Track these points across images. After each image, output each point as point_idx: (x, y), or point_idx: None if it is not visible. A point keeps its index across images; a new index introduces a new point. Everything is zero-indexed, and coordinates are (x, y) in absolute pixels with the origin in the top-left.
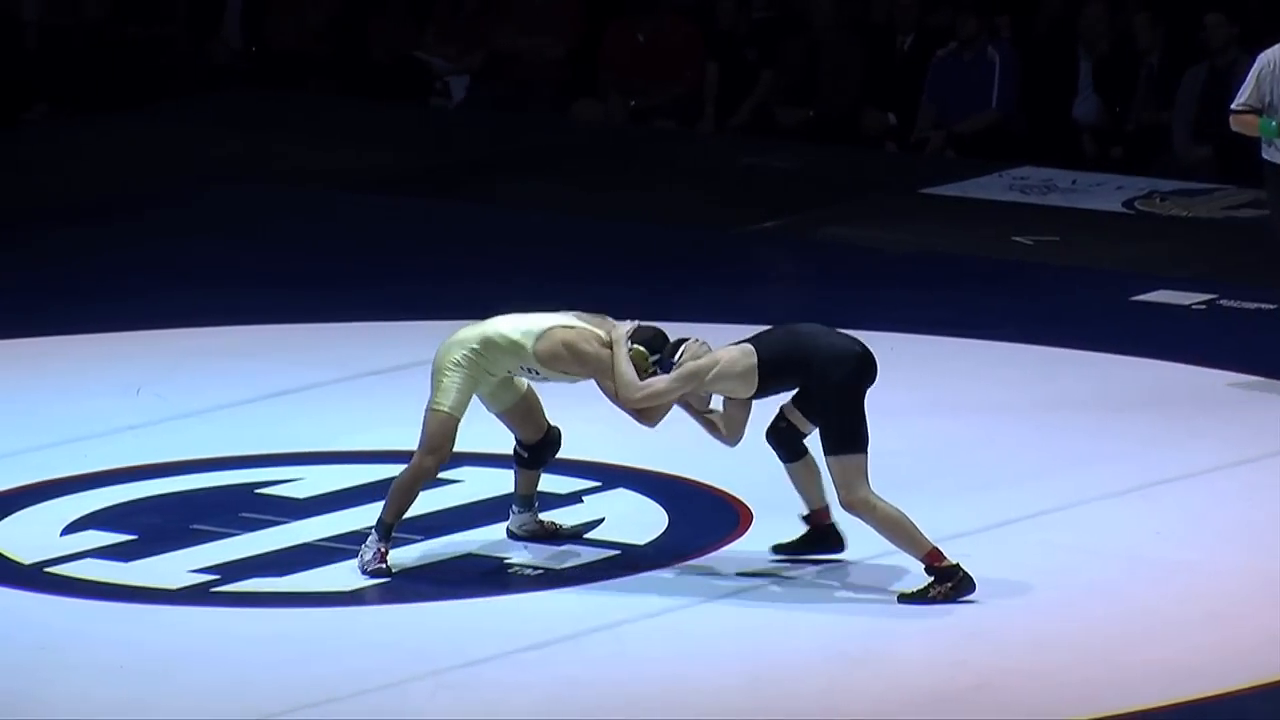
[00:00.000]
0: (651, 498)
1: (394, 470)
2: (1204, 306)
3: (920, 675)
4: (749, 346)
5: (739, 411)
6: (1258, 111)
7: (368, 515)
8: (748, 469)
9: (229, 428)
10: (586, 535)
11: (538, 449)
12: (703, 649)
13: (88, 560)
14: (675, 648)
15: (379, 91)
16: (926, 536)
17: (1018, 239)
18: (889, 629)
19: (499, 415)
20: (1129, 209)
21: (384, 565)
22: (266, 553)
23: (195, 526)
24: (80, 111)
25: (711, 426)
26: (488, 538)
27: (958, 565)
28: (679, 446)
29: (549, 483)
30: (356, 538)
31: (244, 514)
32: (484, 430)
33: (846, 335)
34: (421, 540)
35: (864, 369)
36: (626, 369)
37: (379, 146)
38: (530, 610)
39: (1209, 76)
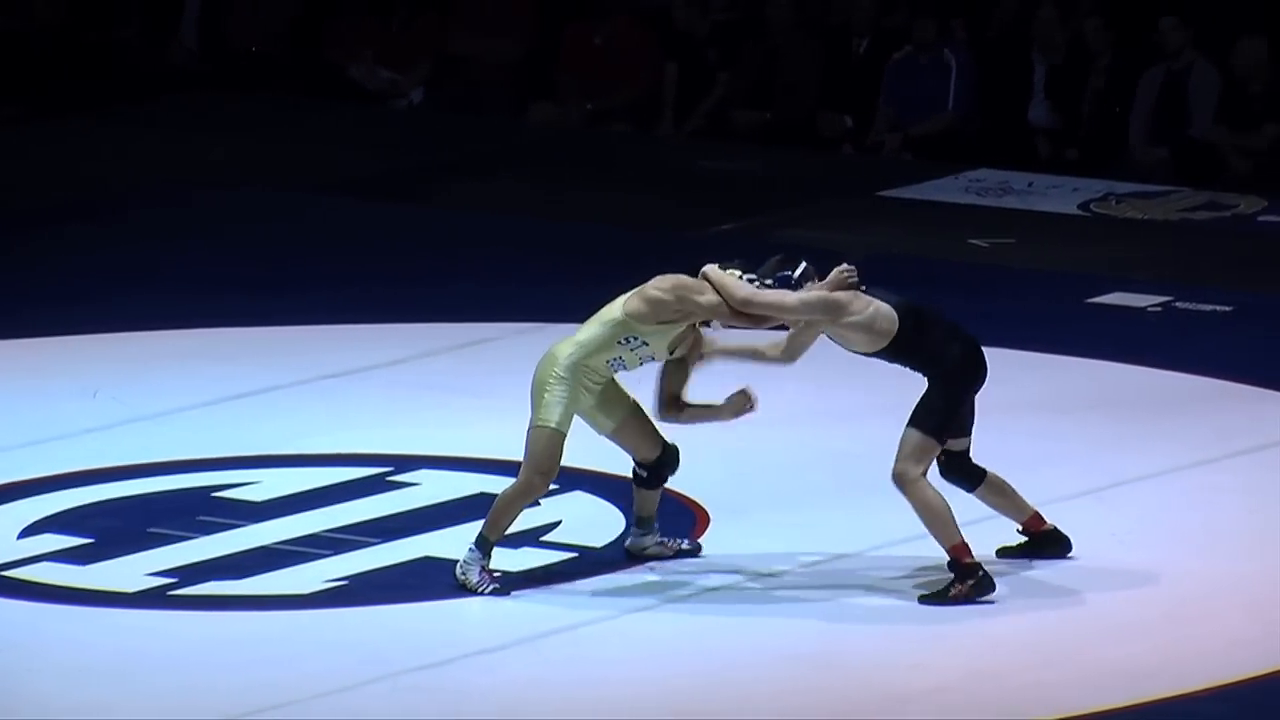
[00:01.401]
0: (608, 500)
1: (352, 474)
2: (1160, 309)
3: (877, 677)
4: (892, 312)
5: (809, 337)
6: None
7: (326, 518)
8: (704, 471)
9: (187, 431)
10: (543, 538)
11: (656, 467)
12: (659, 651)
13: (45, 564)
14: (632, 650)
15: (337, 93)
16: (960, 532)
17: (974, 241)
18: (846, 631)
19: (610, 436)
20: (1085, 211)
21: (496, 584)
22: (224, 556)
23: (152, 530)
24: (37, 115)
25: (759, 357)
26: (444, 541)
27: (979, 565)
28: None
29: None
30: (314, 541)
31: (201, 517)
32: (442, 434)
33: (968, 333)
34: (378, 544)
35: (981, 373)
36: (729, 279)
37: (337, 149)
38: (487, 613)
39: (1166, 79)
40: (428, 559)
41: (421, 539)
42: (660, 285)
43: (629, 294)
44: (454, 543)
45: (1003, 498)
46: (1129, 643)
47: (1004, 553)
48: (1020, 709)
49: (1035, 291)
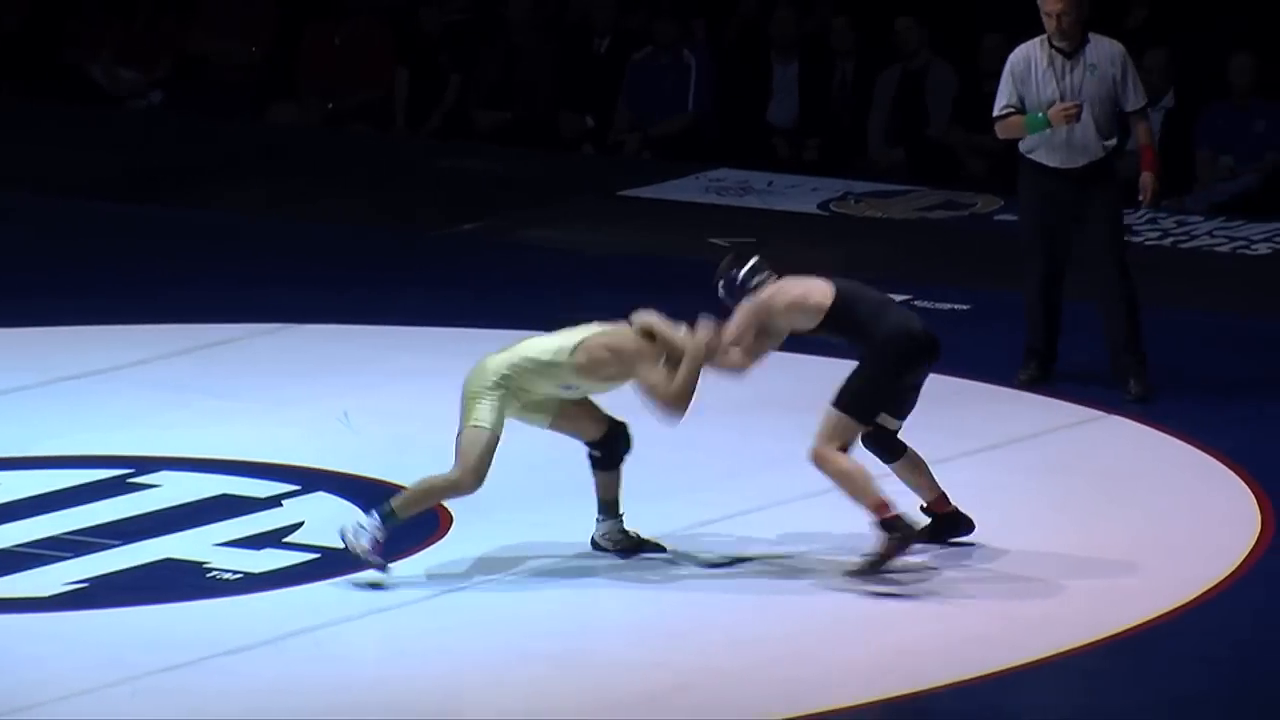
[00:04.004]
0: (351, 501)
1: (92, 476)
2: None
3: (622, 676)
4: (825, 283)
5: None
6: (1019, 111)
7: (65, 521)
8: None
9: None
10: (285, 539)
11: (608, 445)
12: (404, 651)
13: None
14: (376, 650)
15: (76, 94)
16: (877, 490)
17: (714, 240)
18: (591, 630)
19: (552, 429)
20: (824, 210)
21: (382, 559)
22: None
23: None
24: None
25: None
26: (185, 543)
27: (899, 516)
28: (377, 450)
29: (247, 486)
30: (54, 543)
31: None
32: (183, 435)
33: (915, 317)
34: (119, 545)
35: (918, 356)
36: (670, 336)
37: (74, 151)
38: (229, 615)
39: (902, 79)
40: (169, 560)
41: (162, 540)
42: (609, 346)
43: (577, 341)
44: (195, 544)
45: (916, 475)
46: (869, 640)
47: None
48: (763, 707)
49: None
